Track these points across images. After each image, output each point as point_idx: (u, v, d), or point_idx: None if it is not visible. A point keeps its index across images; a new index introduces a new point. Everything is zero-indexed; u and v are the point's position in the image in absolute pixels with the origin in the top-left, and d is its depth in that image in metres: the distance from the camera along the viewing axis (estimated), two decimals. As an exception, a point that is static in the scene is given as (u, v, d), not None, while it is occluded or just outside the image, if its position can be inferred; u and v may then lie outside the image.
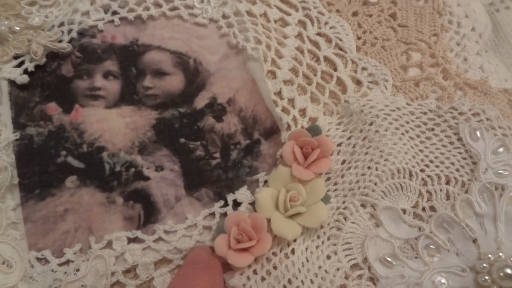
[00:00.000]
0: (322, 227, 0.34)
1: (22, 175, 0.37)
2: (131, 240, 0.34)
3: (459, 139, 0.37)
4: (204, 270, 0.31)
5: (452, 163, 0.36)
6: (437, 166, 0.36)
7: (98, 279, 0.32)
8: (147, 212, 0.36)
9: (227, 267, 0.33)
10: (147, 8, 0.44)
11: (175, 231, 0.34)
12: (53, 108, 0.40)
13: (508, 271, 0.31)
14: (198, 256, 0.33)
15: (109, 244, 0.34)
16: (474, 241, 0.33)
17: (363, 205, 0.35)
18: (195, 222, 0.35)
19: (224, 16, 0.44)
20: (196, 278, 0.30)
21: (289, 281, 0.31)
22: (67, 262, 0.33)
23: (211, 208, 0.36)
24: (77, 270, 0.33)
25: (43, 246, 0.34)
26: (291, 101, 0.40)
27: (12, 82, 0.40)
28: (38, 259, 0.34)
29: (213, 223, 0.35)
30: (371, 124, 0.37)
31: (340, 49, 0.43)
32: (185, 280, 0.30)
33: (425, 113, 0.38)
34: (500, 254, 0.32)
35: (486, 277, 0.31)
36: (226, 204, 0.36)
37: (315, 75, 0.41)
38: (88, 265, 0.32)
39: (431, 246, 0.33)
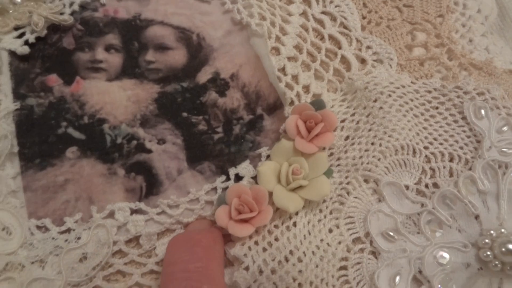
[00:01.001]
0: (324, 201, 0.34)
1: (22, 145, 0.36)
2: (133, 212, 0.34)
3: (463, 118, 0.37)
4: (204, 231, 0.31)
5: (456, 141, 0.36)
6: (441, 144, 0.36)
7: (100, 247, 0.32)
8: (149, 184, 0.35)
9: (227, 240, 0.33)
10: (151, -17, 0.43)
11: (178, 205, 0.34)
12: (53, 79, 0.39)
13: (510, 246, 0.31)
14: (199, 224, 0.32)
15: (110, 214, 0.34)
16: (476, 218, 0.33)
17: (366, 181, 0.35)
18: (198, 197, 0.35)
19: (228, -8, 0.44)
20: (198, 234, 0.30)
21: (291, 252, 0.31)
22: (68, 230, 0.33)
23: (213, 184, 0.36)
24: (78, 238, 0.32)
25: (43, 214, 0.34)
26: (295, 77, 0.39)
27: (12, 53, 0.40)
28: (38, 227, 0.33)
29: (214, 197, 0.35)
30: (375, 101, 0.37)
31: (345, 27, 0.42)
32: (187, 236, 0.30)
33: (429, 92, 0.38)
34: (502, 230, 0.32)
35: (488, 253, 0.31)
36: (228, 179, 0.36)
37: (319, 52, 0.41)
38: (89, 234, 0.32)
39: (434, 222, 0.33)
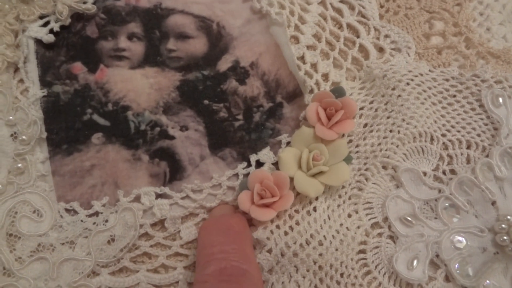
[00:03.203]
0: (343, 187, 0.35)
1: (49, 131, 0.37)
2: (158, 196, 0.35)
3: (481, 106, 0.37)
4: (235, 217, 0.32)
5: (474, 129, 0.36)
6: (458, 131, 0.36)
7: (127, 230, 0.33)
8: (172, 169, 0.36)
9: (249, 224, 0.34)
10: (171, -28, 0.44)
11: (201, 190, 0.35)
12: (78, 67, 0.40)
13: (527, 231, 0.31)
14: (224, 208, 0.34)
15: (136, 199, 0.35)
16: (493, 203, 0.34)
17: (384, 167, 0.36)
18: (220, 182, 0.36)
19: (248, -19, 0.44)
20: (229, 219, 0.31)
21: (311, 235, 0.32)
22: (96, 213, 0.34)
23: (234, 170, 0.36)
24: (106, 221, 0.34)
25: (71, 198, 0.35)
26: (314, 65, 0.40)
27: (38, 41, 0.41)
28: (67, 210, 0.35)
29: (236, 183, 0.36)
30: (393, 88, 0.37)
31: (363, 16, 0.43)
32: (216, 220, 0.31)
33: (447, 80, 0.39)
34: (519, 215, 0.32)
35: (505, 237, 0.32)
36: (249, 165, 0.37)
37: (338, 41, 0.41)
38: (117, 217, 0.33)
39: (451, 208, 0.34)
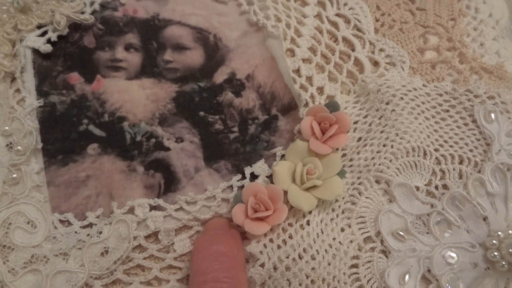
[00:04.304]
0: (336, 201, 0.35)
1: (45, 141, 0.37)
2: (152, 208, 0.35)
3: (474, 121, 0.38)
4: (227, 236, 0.32)
5: (466, 144, 0.37)
6: (451, 146, 0.37)
7: (121, 242, 0.33)
8: (167, 181, 0.37)
9: (242, 237, 0.34)
10: (169, -17, 0.44)
11: (195, 202, 0.35)
12: (75, 77, 0.40)
13: (518, 247, 0.32)
14: (218, 224, 0.34)
15: (130, 210, 0.35)
16: (485, 219, 0.34)
17: (377, 181, 0.36)
18: (214, 194, 0.36)
19: (244, -6, 0.44)
20: (221, 242, 0.31)
21: (304, 250, 0.32)
22: (90, 225, 0.35)
23: (229, 182, 0.37)
24: (100, 232, 0.34)
25: (65, 209, 0.35)
26: (309, 79, 0.40)
27: (35, 51, 0.41)
28: (61, 221, 0.35)
29: (230, 195, 0.36)
30: (387, 103, 0.38)
31: (359, 30, 0.43)
32: (210, 244, 0.31)
33: (440, 95, 0.39)
34: (510, 231, 0.33)
35: (495, 253, 0.32)
36: (243, 177, 0.37)
37: (333, 54, 0.42)
38: (110, 229, 0.33)
39: (443, 223, 0.34)
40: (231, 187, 0.37)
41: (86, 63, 0.41)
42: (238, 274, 0.30)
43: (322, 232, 0.34)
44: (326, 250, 0.33)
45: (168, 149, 0.38)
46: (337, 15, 0.44)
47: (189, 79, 0.41)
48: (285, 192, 0.34)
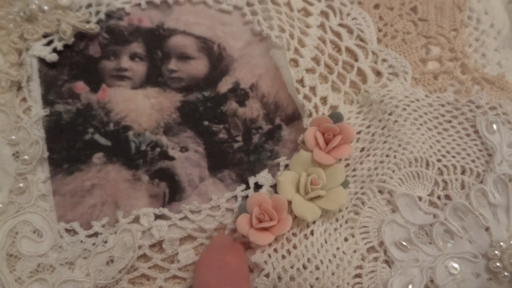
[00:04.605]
0: (340, 211, 0.36)
1: (51, 150, 0.38)
2: (157, 217, 0.35)
3: (476, 132, 0.38)
4: (231, 248, 0.33)
5: (468, 154, 0.37)
6: (453, 157, 0.37)
7: (125, 251, 0.33)
8: (172, 190, 0.37)
9: (247, 247, 0.34)
10: (173, -7, 0.45)
11: (200, 211, 0.36)
12: (81, 86, 0.41)
13: (520, 258, 0.32)
14: (222, 239, 0.34)
15: (135, 219, 0.35)
16: (487, 229, 0.35)
17: (380, 191, 0.36)
18: (219, 204, 0.36)
19: (248, 4, 0.45)
20: (226, 254, 0.32)
21: (308, 260, 0.33)
22: (95, 234, 0.35)
23: (233, 192, 0.37)
24: (105, 242, 0.34)
25: (71, 218, 0.36)
26: (313, 89, 0.41)
27: (41, 60, 0.41)
28: (67, 230, 0.35)
29: (235, 205, 0.36)
30: (390, 114, 0.38)
31: (361, 40, 0.44)
32: (214, 256, 0.32)
33: (443, 105, 0.39)
34: (512, 242, 0.33)
35: (498, 264, 0.33)
36: (247, 187, 0.37)
37: (336, 64, 0.42)
38: (116, 238, 0.34)
39: (445, 233, 0.35)
40: (235, 197, 0.37)
41: (92, 72, 0.41)
42: (242, 287, 0.30)
43: (326, 242, 0.34)
44: (330, 260, 0.33)
45: (172, 158, 0.38)
46: (340, 25, 0.44)
47: (193, 89, 0.41)
48: (289, 202, 0.34)
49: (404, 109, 0.38)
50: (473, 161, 0.37)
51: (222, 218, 0.36)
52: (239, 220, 0.33)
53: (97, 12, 0.44)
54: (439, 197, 0.36)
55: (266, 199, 0.34)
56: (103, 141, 0.39)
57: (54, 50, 0.42)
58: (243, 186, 0.37)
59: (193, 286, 0.32)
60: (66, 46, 0.42)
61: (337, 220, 0.35)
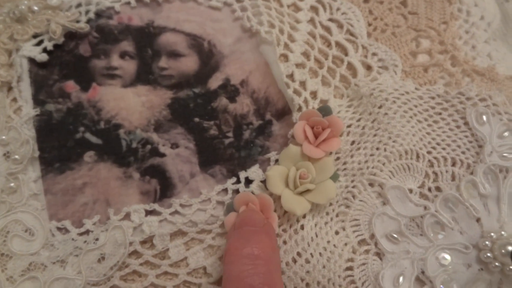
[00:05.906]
0: (330, 204, 0.36)
1: (42, 149, 0.38)
2: (148, 213, 0.35)
3: (466, 123, 0.38)
4: (262, 234, 0.31)
5: (458, 146, 0.37)
6: (443, 149, 0.37)
7: (117, 248, 0.33)
8: (163, 187, 0.37)
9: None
10: (163, -9, 0.45)
11: (190, 205, 0.36)
12: (71, 86, 0.41)
13: (510, 248, 0.32)
14: (253, 220, 0.32)
15: (127, 216, 0.35)
16: (478, 220, 0.35)
17: (371, 184, 0.36)
18: (209, 197, 0.36)
19: (238, 0, 0.45)
20: (257, 241, 0.29)
21: (298, 254, 0.33)
22: (87, 232, 0.35)
23: (224, 184, 0.37)
24: (96, 239, 0.34)
25: (63, 216, 0.36)
26: (303, 83, 0.41)
27: (32, 60, 0.41)
28: (59, 229, 0.35)
29: (226, 198, 0.36)
30: (380, 107, 0.38)
31: (351, 34, 0.44)
32: (245, 241, 0.30)
33: (433, 98, 0.39)
34: (503, 232, 0.33)
35: (488, 254, 0.33)
36: (238, 181, 0.37)
37: (326, 59, 0.42)
38: (107, 235, 0.34)
39: (436, 224, 0.35)
40: (226, 190, 0.37)
41: (82, 71, 0.42)
42: (275, 279, 0.28)
43: (317, 236, 0.34)
44: (320, 253, 0.33)
45: (163, 155, 0.38)
46: (330, 20, 0.44)
47: (184, 86, 0.41)
48: (279, 197, 0.34)
49: (394, 102, 0.38)
50: (463, 152, 0.37)
51: (213, 211, 0.36)
52: (227, 219, 0.34)
53: (87, 12, 0.44)
54: (429, 189, 0.36)
55: (252, 198, 0.34)
56: (94, 139, 0.39)
57: (44, 50, 0.42)
58: (234, 179, 0.37)
59: (223, 279, 0.29)
60: (56, 46, 0.42)
61: (327, 213, 0.35)
